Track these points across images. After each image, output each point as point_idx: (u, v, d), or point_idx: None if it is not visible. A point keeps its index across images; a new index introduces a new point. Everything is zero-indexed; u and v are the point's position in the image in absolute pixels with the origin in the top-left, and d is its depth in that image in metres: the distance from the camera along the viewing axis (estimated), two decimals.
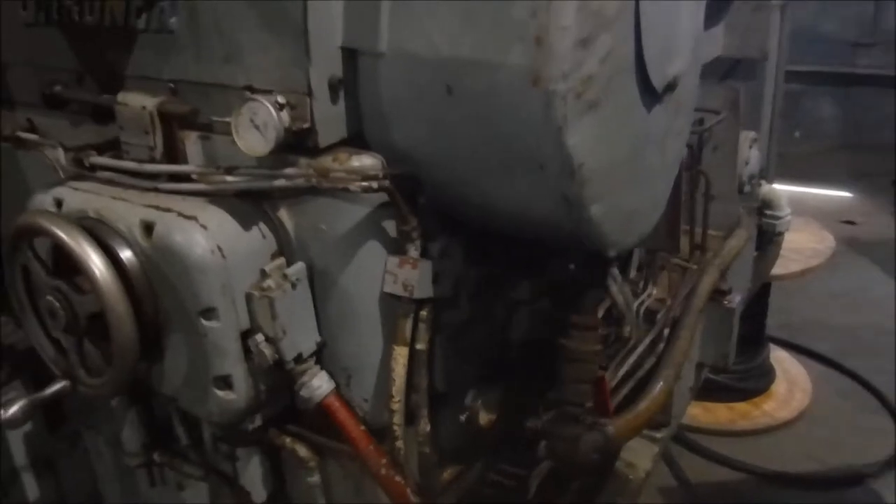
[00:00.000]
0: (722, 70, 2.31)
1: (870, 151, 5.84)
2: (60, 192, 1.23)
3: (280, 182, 1.09)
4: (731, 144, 2.06)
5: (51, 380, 1.28)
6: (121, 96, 1.21)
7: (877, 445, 3.07)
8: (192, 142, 1.20)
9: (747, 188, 2.20)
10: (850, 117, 6.13)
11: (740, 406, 3.30)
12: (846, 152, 5.99)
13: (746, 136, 2.14)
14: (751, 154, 2.16)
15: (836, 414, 3.29)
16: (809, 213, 4.32)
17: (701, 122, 1.92)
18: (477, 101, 1.01)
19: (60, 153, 1.32)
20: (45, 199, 1.24)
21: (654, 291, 1.86)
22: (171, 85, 1.21)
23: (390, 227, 1.13)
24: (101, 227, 1.13)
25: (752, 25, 2.27)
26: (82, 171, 1.28)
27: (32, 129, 1.47)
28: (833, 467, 2.97)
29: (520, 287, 1.43)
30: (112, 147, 1.30)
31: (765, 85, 2.34)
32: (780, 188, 2.63)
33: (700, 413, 3.19)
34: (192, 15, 1.15)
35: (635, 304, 1.73)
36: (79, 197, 1.21)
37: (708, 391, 2.98)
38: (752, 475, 2.96)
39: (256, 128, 1.04)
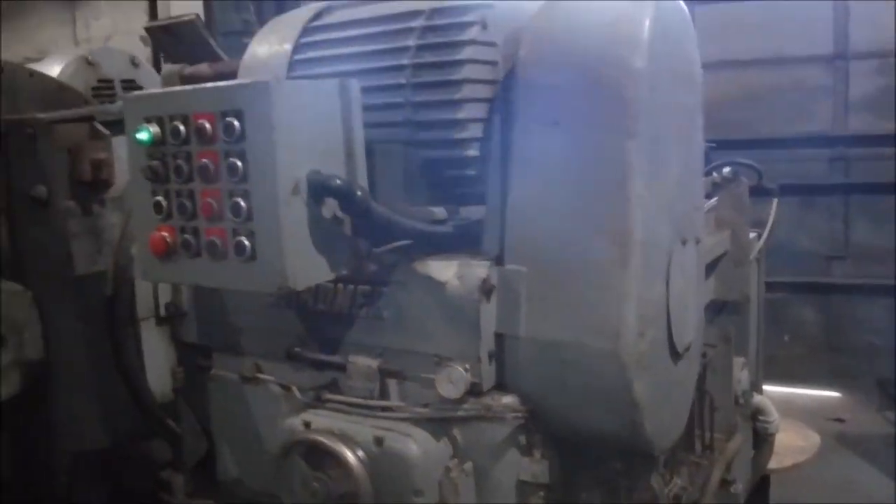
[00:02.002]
0: (715, 309, 3.17)
1: (852, 353, 6.70)
2: (306, 416, 2.02)
3: (461, 413, 1.89)
4: (727, 369, 2.89)
5: None
6: (351, 357, 2.03)
7: None
8: (393, 385, 2.02)
9: (741, 400, 3.01)
10: (831, 322, 7.05)
11: None
12: (830, 354, 6.86)
13: (738, 361, 2.98)
14: (742, 375, 2.99)
15: None
16: (799, 413, 5.11)
17: (704, 354, 2.76)
18: (579, 366, 1.83)
19: (295, 389, 2.14)
20: (296, 422, 2.03)
21: (678, 481, 2.62)
22: (379, 350, 2.04)
23: (523, 438, 1.92)
24: (345, 439, 1.92)
25: (736, 276, 3.16)
26: (314, 403, 2.08)
27: (259, 372, 2.29)
28: None
29: (587, 475, 2.19)
30: (329, 387, 2.12)
31: (749, 319, 3.19)
32: (772, 389, 3.43)
33: None
34: (399, 310, 1.99)
35: (666, 491, 2.50)
36: (322, 420, 2.00)
37: None
38: None
39: (451, 382, 1.86)
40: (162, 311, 2.44)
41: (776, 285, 6.48)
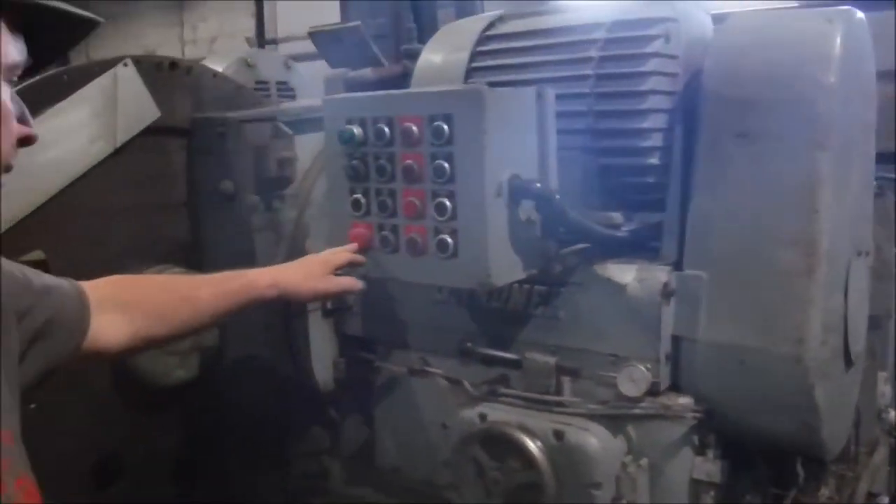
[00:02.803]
0: None
1: None
2: (482, 409, 2.14)
3: (639, 411, 1.99)
4: (871, 383, 2.92)
5: None
6: (528, 354, 2.15)
7: None
8: (566, 383, 2.12)
9: (883, 415, 3.03)
10: None
11: None
12: None
13: (881, 375, 3.00)
14: (885, 389, 3.01)
15: None
16: None
17: None
18: (760, 370, 1.91)
19: (467, 383, 2.26)
20: (472, 414, 2.15)
21: (825, 491, 2.67)
22: (554, 348, 2.15)
23: (696, 438, 2.01)
24: (526, 431, 2.03)
25: (878, 291, 3.18)
26: (484, 396, 2.20)
27: (426, 365, 2.42)
28: None
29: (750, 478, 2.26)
30: (499, 382, 2.24)
31: (890, 335, 3.21)
32: None
33: None
34: (576, 310, 2.10)
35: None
36: (498, 413, 2.11)
37: None
38: None
39: (633, 381, 1.96)
40: (328, 304, 2.59)
41: None
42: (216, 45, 11.14)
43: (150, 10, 12.32)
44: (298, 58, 4.78)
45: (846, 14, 1.96)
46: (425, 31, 3.44)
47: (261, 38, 9.10)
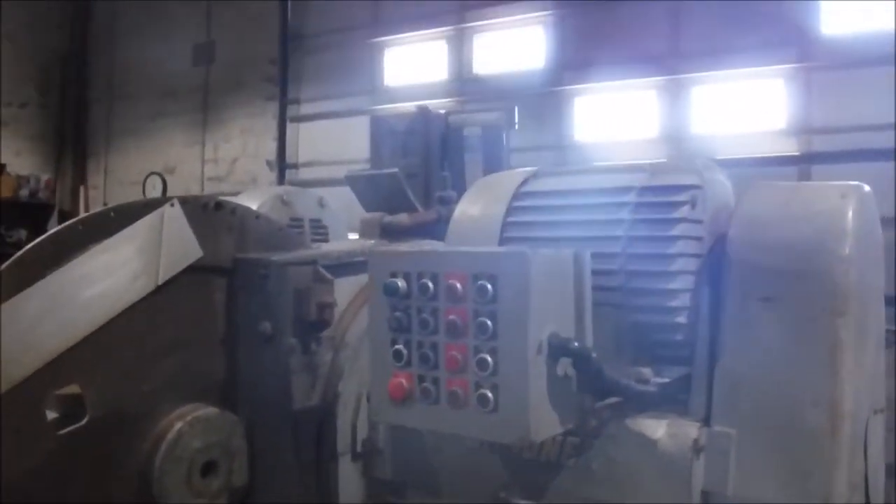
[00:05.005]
0: None
1: None
2: None
3: None
4: None
5: None
6: None
7: None
8: None
9: None
10: None
11: None
12: None
13: None
14: None
15: None
16: None
17: None
18: None
19: None
20: None
21: None
22: (585, 498, 2.25)
23: None
24: None
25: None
26: None
27: None
28: None
29: None
30: None
31: None
32: None
33: None
34: (608, 462, 2.22)
35: None
36: None
37: None
38: None
39: None
40: (358, 448, 2.70)
41: None
42: (236, 166, 11.54)
43: (172, 128, 12.80)
44: (318, 183, 5.02)
45: (857, 189, 2.16)
46: (453, 175, 3.68)
47: (281, 162, 9.48)
